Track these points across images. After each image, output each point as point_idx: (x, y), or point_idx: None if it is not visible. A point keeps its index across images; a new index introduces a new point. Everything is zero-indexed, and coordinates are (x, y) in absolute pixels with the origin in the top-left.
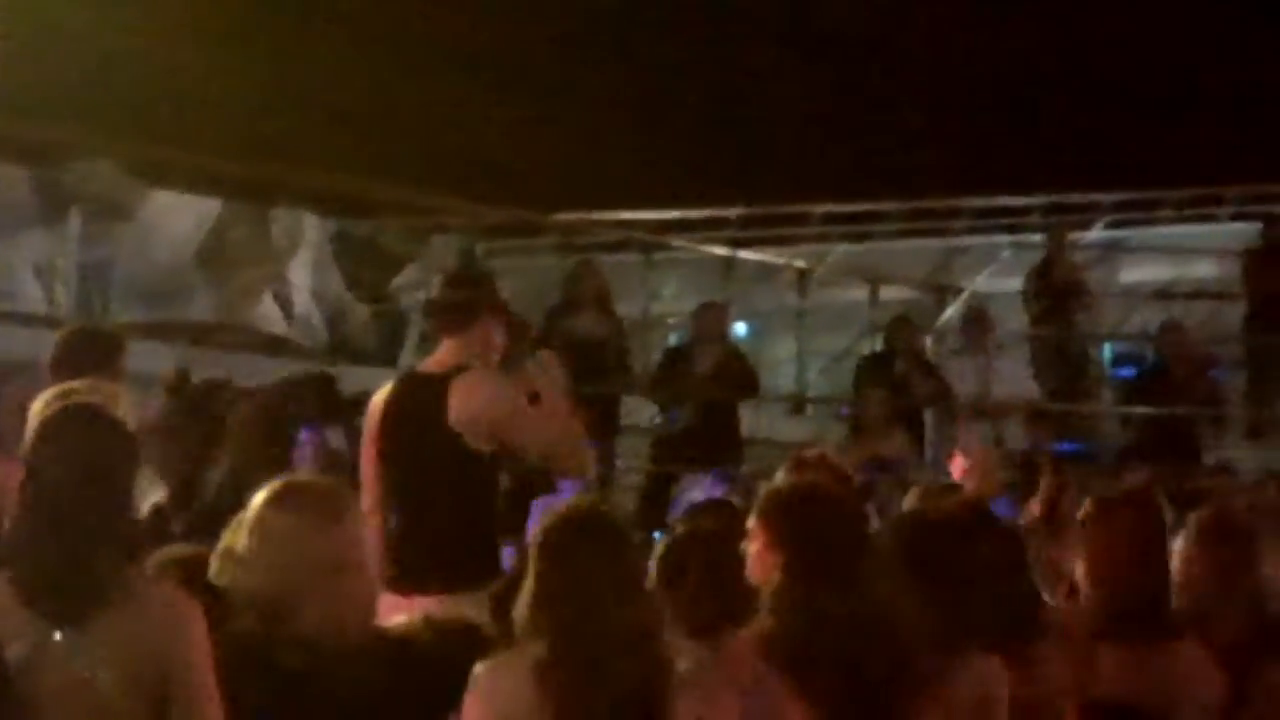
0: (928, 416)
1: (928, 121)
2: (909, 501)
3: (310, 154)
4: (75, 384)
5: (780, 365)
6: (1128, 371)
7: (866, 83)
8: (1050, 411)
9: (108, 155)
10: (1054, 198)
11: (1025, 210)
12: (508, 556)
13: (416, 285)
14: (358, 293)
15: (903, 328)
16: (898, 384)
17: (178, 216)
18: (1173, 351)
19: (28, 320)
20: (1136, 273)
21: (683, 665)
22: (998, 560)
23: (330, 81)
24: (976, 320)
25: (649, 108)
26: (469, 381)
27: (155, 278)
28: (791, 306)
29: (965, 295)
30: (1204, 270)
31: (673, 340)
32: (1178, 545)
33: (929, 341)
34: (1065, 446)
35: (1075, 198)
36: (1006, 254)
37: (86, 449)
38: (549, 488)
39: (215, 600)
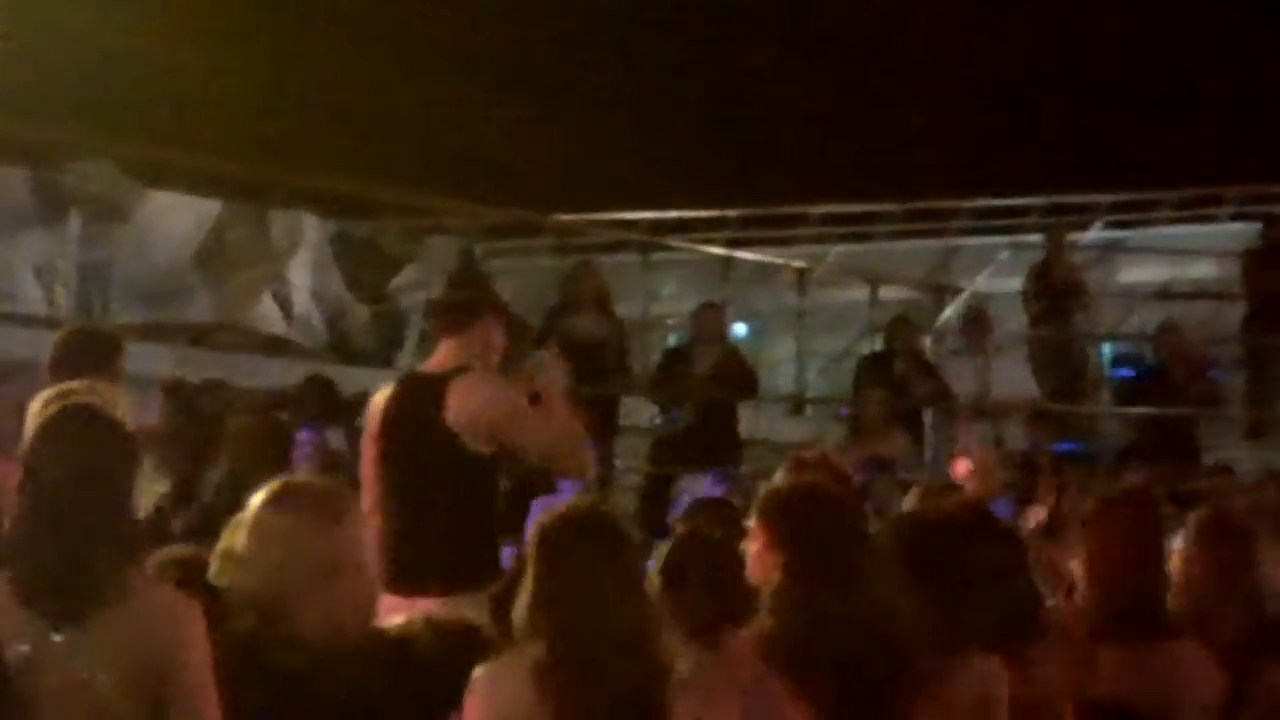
0: (926, 417)
1: (927, 121)
2: (908, 502)
3: (310, 154)
4: (73, 385)
5: (779, 365)
6: (1126, 372)
7: (866, 83)
8: (1050, 412)
9: (107, 156)
10: (1052, 198)
11: (1024, 210)
12: (508, 557)
13: (416, 286)
14: (357, 293)
15: (902, 328)
16: (897, 384)
17: (177, 217)
18: (1171, 352)
19: (27, 321)
20: (1135, 273)
21: (683, 666)
22: (997, 561)
23: (330, 81)
24: (976, 320)
25: (648, 108)
26: (468, 382)
27: (155, 278)
28: (790, 307)
29: (964, 296)
30: (1203, 270)
31: (672, 341)
32: (1177, 545)
33: (928, 342)
34: (1065, 447)
35: (1074, 198)
36: (1005, 254)
37: (85, 449)
38: (549, 488)
39: (214, 601)
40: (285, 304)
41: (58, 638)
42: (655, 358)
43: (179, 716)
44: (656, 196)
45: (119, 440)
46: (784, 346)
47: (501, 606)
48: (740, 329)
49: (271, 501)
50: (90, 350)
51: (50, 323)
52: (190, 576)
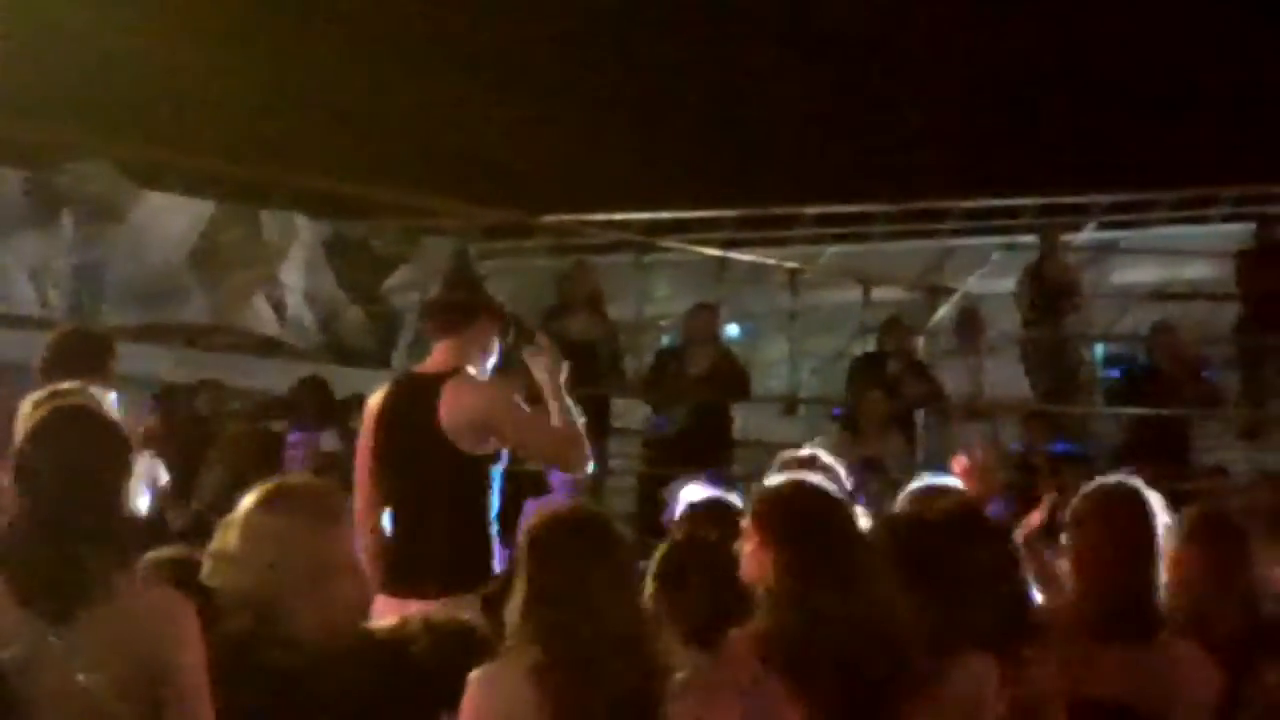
0: (919, 417)
1: (926, 121)
2: (901, 502)
3: (310, 154)
4: (65, 386)
5: (772, 366)
6: (1114, 372)
7: (866, 83)
8: (1045, 412)
9: (99, 156)
10: (1046, 199)
11: (1017, 211)
12: (502, 558)
13: (409, 286)
14: (350, 294)
15: (895, 329)
16: (889, 385)
17: (170, 218)
18: (1165, 352)
19: (21, 322)
20: (1129, 274)
21: (681, 668)
22: (991, 561)
23: (329, 81)
24: (969, 321)
25: (647, 108)
26: (462, 383)
27: (148, 280)
28: (783, 308)
29: (957, 296)
30: (1197, 271)
31: (665, 342)
32: (1170, 545)
33: (921, 342)
34: (1059, 447)
35: (1067, 199)
36: (998, 255)
37: (77, 450)
38: (541, 489)
39: (207, 602)
40: (278, 305)
41: (54, 638)
42: (648, 359)
43: (175, 717)
44: (656, 196)
45: (111, 441)
46: (777, 347)
47: (493, 606)
48: (733, 330)
49: (263, 502)
50: (82, 351)
51: (43, 324)
52: (183, 577)
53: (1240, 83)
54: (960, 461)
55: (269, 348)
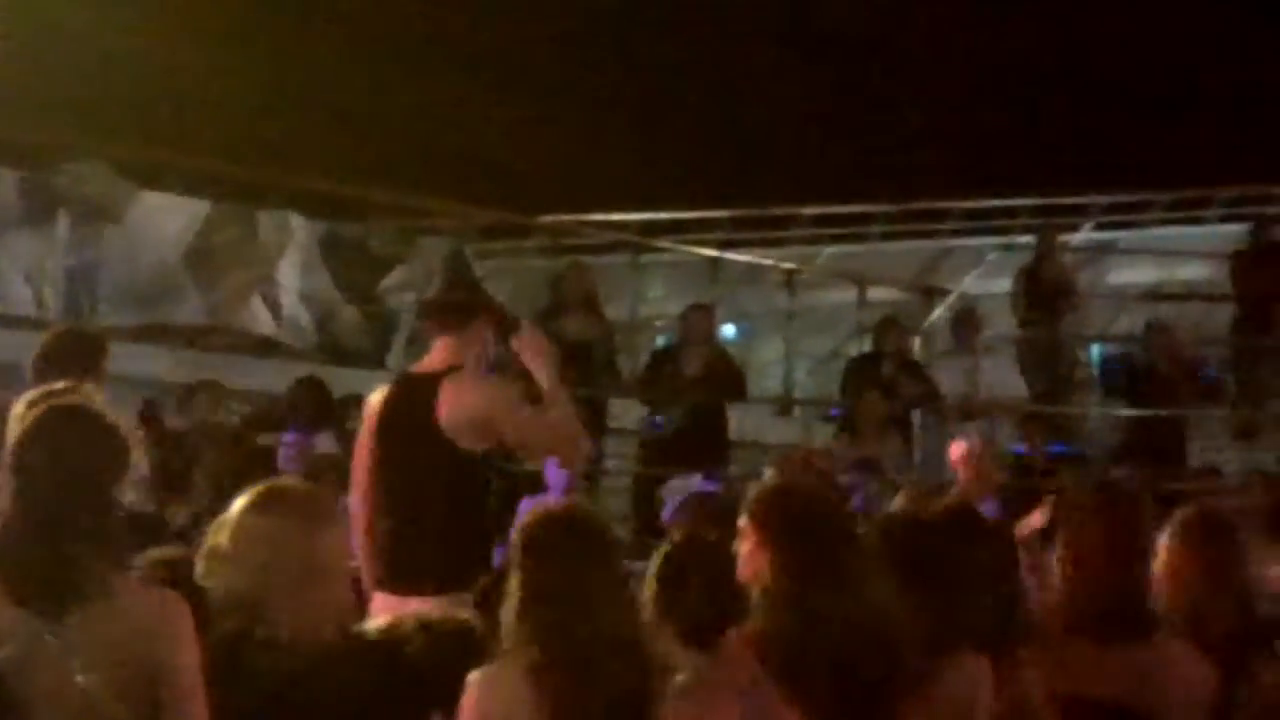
0: (915, 418)
1: (923, 122)
2: (897, 503)
3: (309, 154)
4: (59, 385)
5: (768, 367)
6: (1116, 370)
7: (866, 83)
8: (1042, 413)
9: (94, 157)
10: (1042, 199)
11: (1013, 212)
12: (500, 556)
13: (405, 287)
14: (346, 294)
15: (890, 329)
16: (885, 386)
17: (166, 218)
18: (1161, 352)
19: (17, 323)
20: (1125, 274)
21: (680, 669)
22: (987, 562)
23: (329, 81)
24: (965, 321)
25: (647, 108)
26: (461, 382)
27: (143, 280)
28: (779, 308)
29: (953, 297)
30: (1192, 272)
31: (660, 342)
32: (1166, 545)
33: (917, 343)
34: (1056, 448)
35: (1063, 199)
36: (994, 256)
37: (75, 449)
38: (537, 488)
39: (200, 603)
40: (274, 305)
41: (50, 637)
42: (644, 359)
43: (171, 717)
44: (655, 197)
45: (108, 440)
46: (772, 348)
47: (486, 602)
48: (729, 330)
49: (255, 505)
50: (75, 352)
51: (39, 324)
52: (178, 577)
53: (1236, 84)
54: (958, 447)
55: (265, 348)
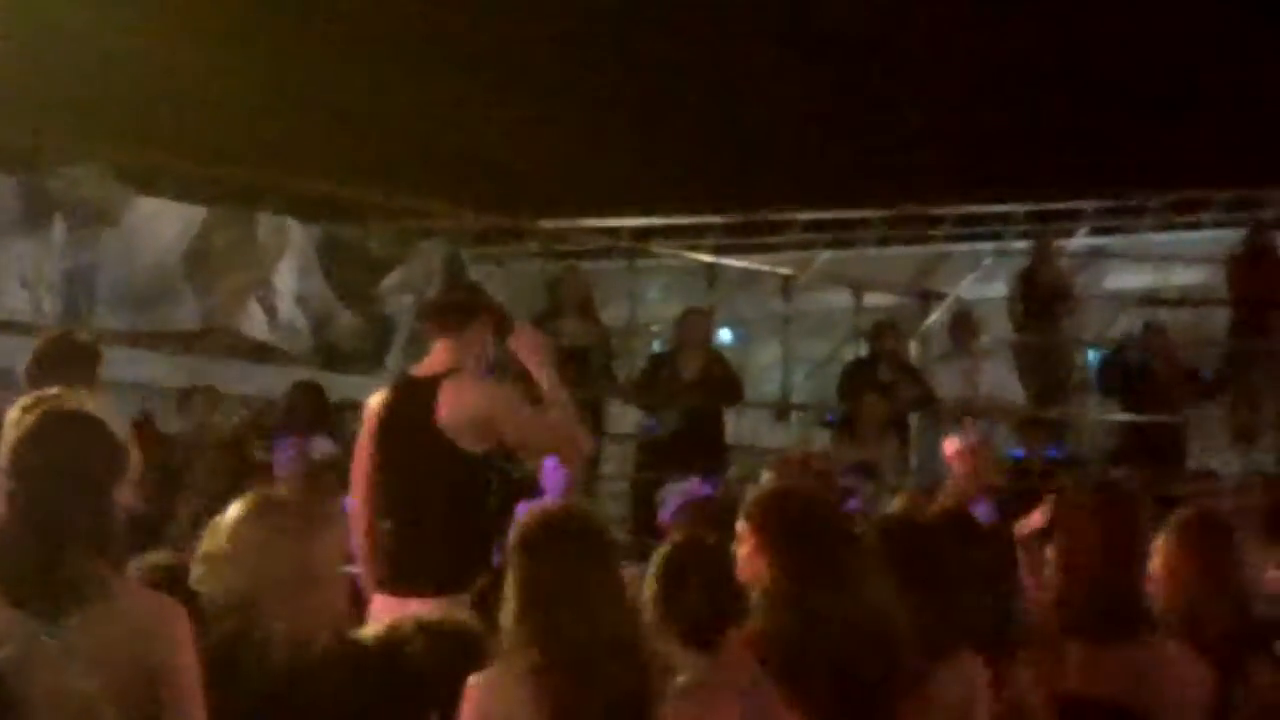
0: (912, 421)
1: (920, 125)
2: (895, 506)
3: (304, 156)
4: (54, 390)
5: (764, 371)
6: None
7: (864, 84)
8: (1040, 418)
9: (91, 160)
10: (1038, 204)
11: (1009, 216)
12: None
13: (402, 290)
14: (344, 298)
15: (886, 333)
16: (882, 389)
17: (162, 222)
18: (1157, 354)
19: (13, 328)
20: (1121, 278)
21: (680, 670)
22: (985, 563)
23: (329, 82)
24: (962, 325)
25: (647, 108)
26: (460, 383)
27: (140, 284)
28: (776, 313)
29: (949, 301)
30: (1188, 276)
31: (657, 346)
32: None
33: (914, 347)
34: (1053, 452)
35: (1059, 204)
36: (990, 260)
37: (73, 452)
38: (534, 490)
39: (195, 607)
40: (270, 309)
41: (47, 639)
42: (640, 363)
43: (169, 718)
44: (655, 197)
45: (106, 443)
46: (769, 352)
47: (484, 603)
48: (725, 335)
49: (248, 515)
50: (69, 357)
51: (35, 329)
52: (174, 582)
53: (1233, 87)
54: (952, 442)
55: (262, 352)
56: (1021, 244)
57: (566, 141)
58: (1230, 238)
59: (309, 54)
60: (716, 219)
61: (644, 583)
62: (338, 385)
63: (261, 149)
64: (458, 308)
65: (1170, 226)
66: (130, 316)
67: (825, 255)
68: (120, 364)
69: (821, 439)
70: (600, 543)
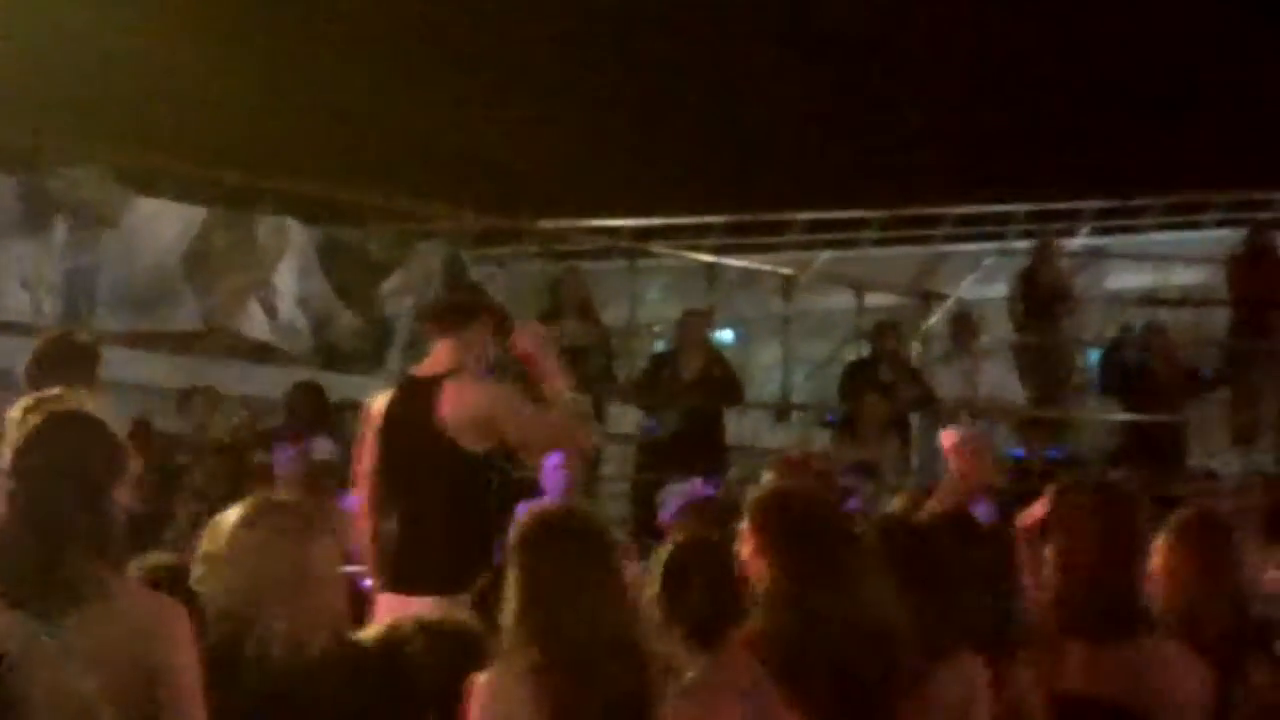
0: (913, 421)
1: (921, 125)
2: (895, 506)
3: (304, 157)
4: (54, 391)
5: (765, 372)
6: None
7: (866, 83)
8: (1040, 417)
9: (91, 161)
10: (1038, 204)
11: (1009, 216)
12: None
13: (403, 291)
14: (344, 299)
15: (887, 334)
16: (884, 389)
17: (162, 223)
18: (1157, 353)
19: (13, 329)
20: (1121, 279)
21: (683, 670)
22: (984, 563)
23: (328, 82)
24: (962, 325)
25: (647, 108)
26: (461, 383)
27: (141, 284)
28: (776, 313)
29: (950, 301)
30: (1189, 276)
31: (657, 347)
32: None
33: (915, 347)
34: (1052, 451)
35: (1060, 204)
36: (990, 260)
37: (73, 453)
38: (534, 490)
39: (196, 607)
40: (271, 310)
41: (47, 638)
42: (640, 364)
43: (169, 718)
44: (654, 198)
45: (106, 444)
46: (769, 352)
47: (485, 603)
48: (726, 335)
49: (246, 519)
50: (69, 358)
51: (35, 330)
52: (174, 582)
53: (1233, 87)
54: (949, 436)
55: (262, 353)
56: (1022, 244)
57: (566, 141)
58: (1230, 238)
59: (309, 54)
60: (716, 219)
61: (646, 582)
62: (338, 385)
63: (261, 149)
64: (458, 308)
65: (1170, 227)
66: (130, 317)
67: (826, 255)
68: (120, 364)
69: (822, 439)
70: (600, 543)
